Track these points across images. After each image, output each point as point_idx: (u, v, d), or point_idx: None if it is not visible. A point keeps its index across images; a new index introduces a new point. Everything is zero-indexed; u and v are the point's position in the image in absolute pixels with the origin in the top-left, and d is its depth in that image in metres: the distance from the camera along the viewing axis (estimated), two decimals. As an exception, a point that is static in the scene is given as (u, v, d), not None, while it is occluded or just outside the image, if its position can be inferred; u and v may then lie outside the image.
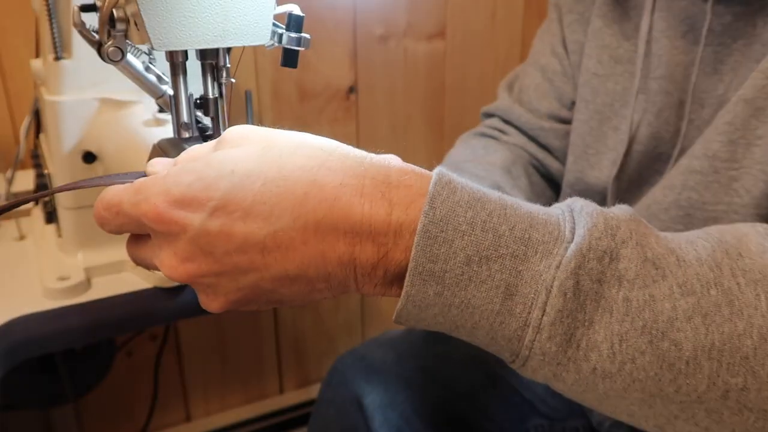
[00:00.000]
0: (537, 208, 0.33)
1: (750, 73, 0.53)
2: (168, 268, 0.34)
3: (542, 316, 0.31)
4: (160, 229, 0.33)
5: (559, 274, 0.30)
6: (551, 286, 0.30)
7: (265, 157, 0.33)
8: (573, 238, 0.31)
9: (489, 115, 0.82)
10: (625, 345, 0.31)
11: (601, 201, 0.67)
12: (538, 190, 0.75)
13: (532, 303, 0.31)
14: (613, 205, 0.71)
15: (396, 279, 0.33)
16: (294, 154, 0.33)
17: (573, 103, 0.74)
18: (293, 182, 0.32)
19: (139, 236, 0.38)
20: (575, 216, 0.33)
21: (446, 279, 0.31)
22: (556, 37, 0.74)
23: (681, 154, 0.59)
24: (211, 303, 0.35)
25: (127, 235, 0.39)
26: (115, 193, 0.36)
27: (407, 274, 0.31)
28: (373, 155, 0.35)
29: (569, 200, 0.35)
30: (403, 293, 0.32)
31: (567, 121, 0.74)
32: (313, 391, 1.38)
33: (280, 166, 0.32)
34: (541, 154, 0.76)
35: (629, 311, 0.31)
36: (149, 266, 0.38)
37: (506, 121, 0.79)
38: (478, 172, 0.70)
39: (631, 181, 0.64)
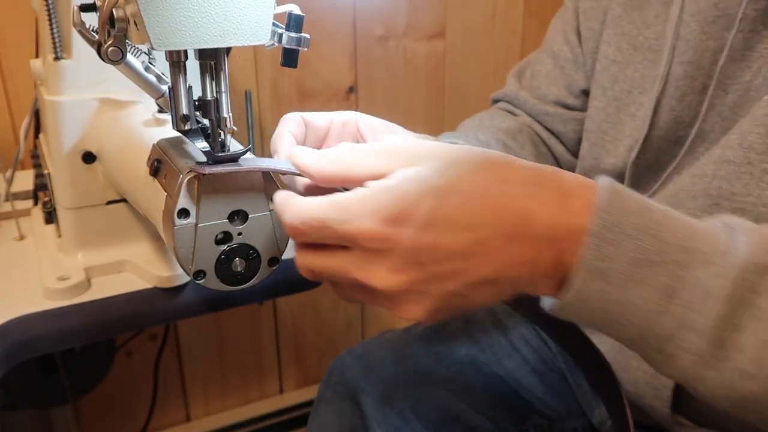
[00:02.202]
0: (696, 220, 0.36)
1: None
2: (380, 280, 0.37)
3: (701, 319, 0.34)
4: (373, 246, 0.36)
5: (720, 282, 0.33)
6: (712, 294, 0.33)
7: (457, 172, 0.36)
8: (732, 251, 0.34)
9: (497, 101, 0.84)
10: None
11: None
12: (547, 162, 0.76)
13: (691, 307, 0.34)
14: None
15: (568, 280, 0.36)
16: (479, 168, 0.36)
17: (582, 92, 0.75)
18: (489, 195, 0.35)
19: (319, 248, 0.39)
20: (731, 233, 0.35)
21: (611, 276, 0.34)
22: (569, 24, 0.75)
23: (697, 138, 0.59)
24: (415, 312, 0.38)
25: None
26: (316, 208, 0.37)
27: (575, 269, 0.34)
28: (541, 165, 0.37)
29: (722, 217, 0.38)
30: (569, 286, 0.35)
31: (573, 108, 0.76)
32: (313, 391, 1.38)
33: (472, 181, 0.35)
34: (546, 135, 0.78)
35: None
36: (333, 277, 0.39)
37: (514, 105, 0.81)
38: (480, 136, 0.72)
39: (648, 166, 0.64)
